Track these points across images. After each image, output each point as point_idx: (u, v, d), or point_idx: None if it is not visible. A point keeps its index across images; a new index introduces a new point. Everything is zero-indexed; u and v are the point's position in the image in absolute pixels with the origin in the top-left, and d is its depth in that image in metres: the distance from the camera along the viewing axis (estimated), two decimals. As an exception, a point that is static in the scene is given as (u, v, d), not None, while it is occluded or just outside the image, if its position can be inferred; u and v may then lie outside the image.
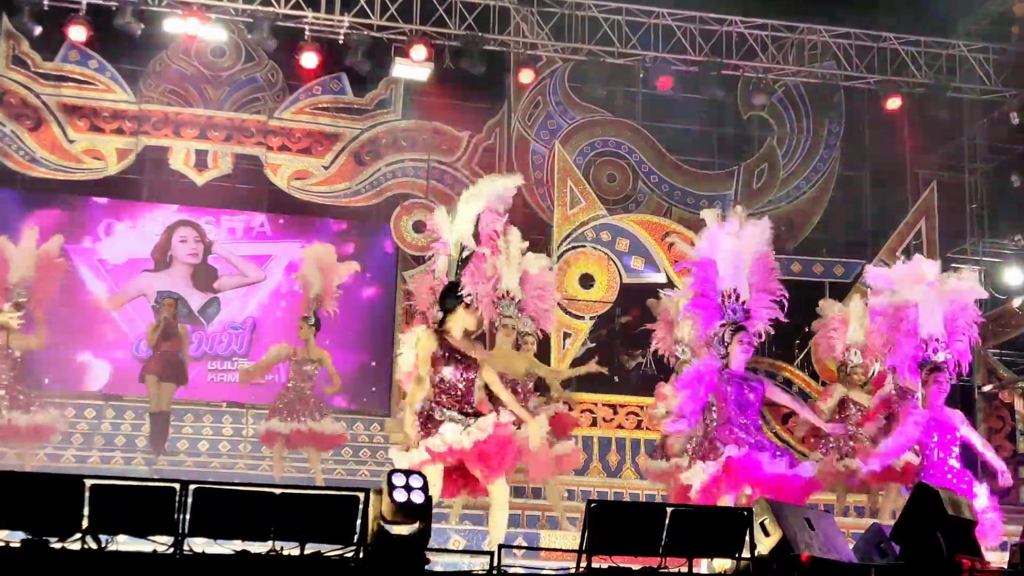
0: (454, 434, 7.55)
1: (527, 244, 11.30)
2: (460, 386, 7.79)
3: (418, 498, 5.90)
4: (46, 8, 14.53)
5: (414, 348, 7.83)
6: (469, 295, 7.96)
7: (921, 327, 9.21)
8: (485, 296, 9.83)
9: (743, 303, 8.93)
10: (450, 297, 7.99)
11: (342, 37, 15.39)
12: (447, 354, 7.79)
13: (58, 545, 5.64)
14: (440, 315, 7.99)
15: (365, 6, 15.34)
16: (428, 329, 7.94)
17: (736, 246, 9.05)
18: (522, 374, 10.63)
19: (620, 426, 14.91)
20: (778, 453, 8.52)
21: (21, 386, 12.09)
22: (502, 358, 10.45)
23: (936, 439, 8.99)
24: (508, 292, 10.92)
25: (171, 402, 13.46)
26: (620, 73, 16.97)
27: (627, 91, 17.67)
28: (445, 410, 7.68)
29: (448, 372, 7.78)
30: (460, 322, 7.93)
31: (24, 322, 12.20)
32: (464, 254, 8.10)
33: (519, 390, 10.48)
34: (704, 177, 17.95)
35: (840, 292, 16.08)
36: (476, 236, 8.15)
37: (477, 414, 7.73)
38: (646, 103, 17.77)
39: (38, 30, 14.80)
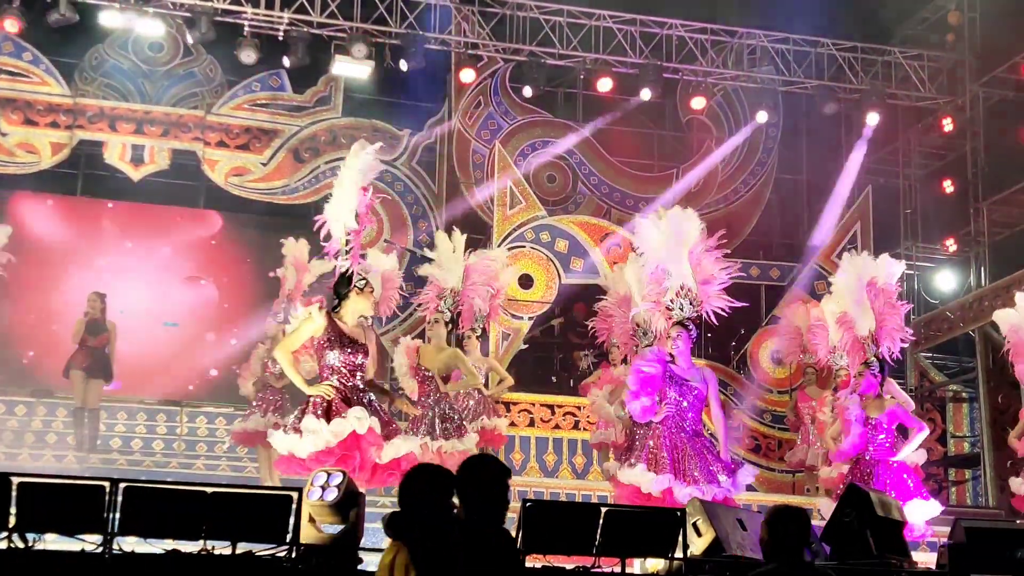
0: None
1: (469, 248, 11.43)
2: (344, 371, 7.75)
3: (330, 496, 5.88)
4: (-21, -1, 14.32)
5: (299, 324, 7.80)
6: (362, 279, 7.94)
7: (858, 325, 9.35)
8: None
9: (692, 297, 8.94)
10: (343, 284, 7.95)
11: (282, 33, 15.31)
12: (333, 338, 7.74)
13: (-17, 544, 5.57)
14: (335, 302, 7.97)
15: (305, 3, 15.27)
16: (321, 310, 7.87)
17: (667, 242, 9.07)
18: (439, 368, 10.52)
19: (557, 426, 14.93)
20: (708, 477, 8.52)
21: None
22: (428, 352, 10.46)
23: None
24: (452, 290, 10.97)
25: (100, 398, 13.29)
26: (561, 74, 17.03)
27: (568, 92, 17.73)
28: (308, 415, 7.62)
29: (333, 356, 7.74)
30: (353, 307, 7.89)
31: None
32: (348, 238, 8.06)
33: (429, 384, 10.40)
34: (643, 179, 18.04)
35: (776, 295, 16.27)
36: (356, 217, 8.14)
37: (347, 401, 7.67)
38: (586, 104, 17.82)
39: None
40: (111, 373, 13.36)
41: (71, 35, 15.21)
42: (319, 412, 7.49)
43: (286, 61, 15.43)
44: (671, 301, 8.95)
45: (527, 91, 16.24)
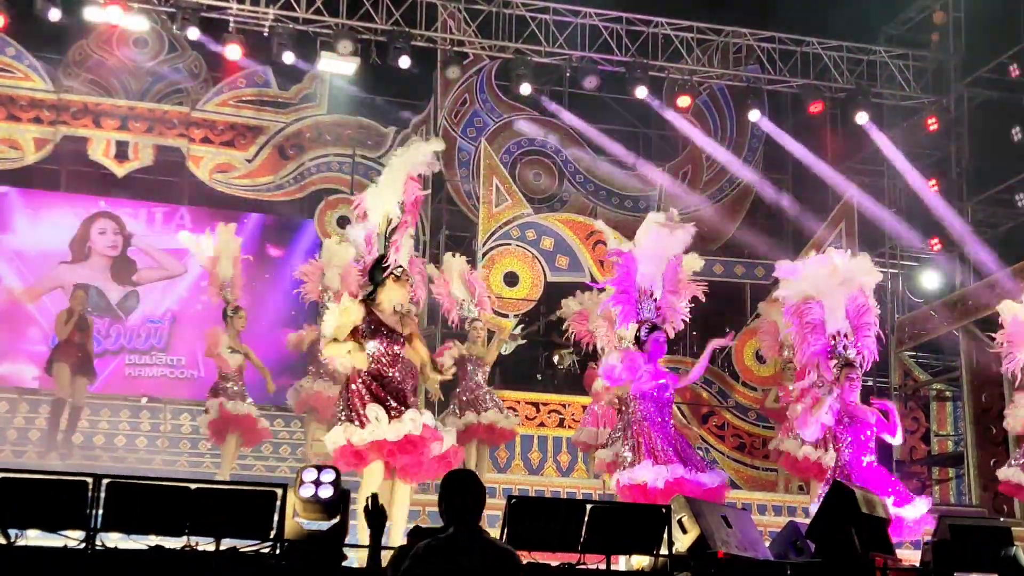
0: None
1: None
2: (384, 360, 7.75)
3: (325, 493, 5.86)
4: (-38, -6, 14.23)
5: (338, 317, 7.77)
6: (399, 267, 7.93)
7: (827, 322, 9.34)
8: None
9: (656, 301, 9.10)
10: (378, 270, 7.94)
11: (267, 30, 15.27)
12: (373, 327, 7.74)
13: (-35, 540, 5.53)
14: (370, 289, 7.95)
15: (291, -1, 15.24)
16: (355, 299, 7.87)
17: (658, 247, 9.18)
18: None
19: (542, 424, 14.93)
20: (694, 464, 8.66)
21: None
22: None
23: (850, 438, 9.09)
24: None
25: (84, 397, 13.19)
26: (547, 72, 17.02)
27: (554, 90, 17.73)
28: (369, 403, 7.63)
29: (372, 345, 7.74)
30: (390, 295, 7.88)
31: None
32: (391, 226, 8.06)
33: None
34: (629, 177, 18.02)
35: (761, 294, 16.26)
36: (402, 206, 8.13)
37: (396, 394, 7.69)
38: (572, 102, 17.82)
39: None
40: (94, 372, 13.28)
41: (55, 30, 15.14)
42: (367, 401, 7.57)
43: (287, 57, 15.31)
44: (638, 298, 9.10)
45: (524, 88, 16.16)
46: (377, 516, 4.84)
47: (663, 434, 8.79)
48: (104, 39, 16.38)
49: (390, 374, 7.74)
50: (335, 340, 7.72)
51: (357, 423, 7.57)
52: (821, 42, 16.95)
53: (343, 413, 7.77)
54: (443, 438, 7.69)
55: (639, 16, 16.44)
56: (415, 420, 7.55)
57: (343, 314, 7.71)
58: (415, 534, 4.91)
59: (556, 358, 16.56)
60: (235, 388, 12.04)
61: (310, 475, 5.85)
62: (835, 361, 9.24)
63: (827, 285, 9.39)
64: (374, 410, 7.54)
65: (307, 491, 5.75)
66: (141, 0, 14.82)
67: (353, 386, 7.75)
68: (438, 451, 7.67)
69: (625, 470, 8.82)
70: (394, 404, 7.63)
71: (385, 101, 17.47)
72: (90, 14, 14.83)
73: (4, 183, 16.14)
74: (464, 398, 12.37)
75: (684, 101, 16.91)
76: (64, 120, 16.12)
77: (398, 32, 15.49)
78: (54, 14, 14.33)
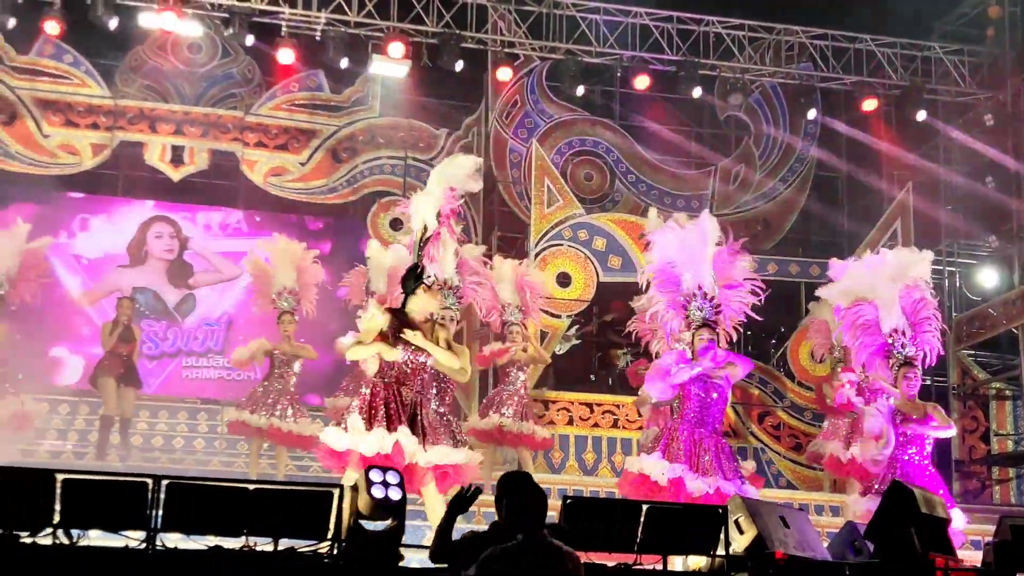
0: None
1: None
2: (407, 369, 7.78)
3: (395, 495, 5.88)
4: (20, 1, 14.42)
5: (364, 323, 7.82)
6: (430, 276, 7.97)
7: (883, 322, 9.22)
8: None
9: (711, 299, 8.94)
10: (411, 279, 7.97)
11: (319, 33, 15.37)
12: (400, 335, 7.77)
13: (29, 540, 5.60)
14: (403, 297, 8.00)
15: (342, 2, 15.33)
16: (381, 307, 7.91)
17: (688, 244, 9.06)
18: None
19: (596, 425, 14.89)
20: (723, 475, 8.54)
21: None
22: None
23: (905, 436, 8.99)
24: (446, 282, 10.93)
25: (132, 407, 13.25)
26: (597, 72, 17.00)
27: (605, 90, 17.70)
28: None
29: (398, 353, 7.77)
30: (421, 304, 7.91)
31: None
32: (425, 236, 8.11)
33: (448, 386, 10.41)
34: (681, 177, 17.97)
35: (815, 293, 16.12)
36: (438, 216, 8.18)
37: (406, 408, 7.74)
38: (624, 102, 17.78)
39: (12, 23, 14.69)
40: (140, 380, 13.35)
41: (111, 37, 15.32)
42: (364, 415, 7.59)
43: (339, 61, 15.39)
44: (687, 301, 8.96)
45: (575, 89, 16.16)
46: (463, 503, 5.16)
47: (690, 434, 8.66)
48: (159, 45, 16.58)
49: (402, 388, 7.78)
50: (360, 343, 7.79)
51: (359, 426, 7.67)
52: (875, 39, 16.80)
53: (347, 412, 7.85)
54: (418, 464, 7.73)
55: (690, 15, 16.38)
56: (384, 440, 7.63)
57: (368, 320, 7.79)
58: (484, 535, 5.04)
59: (615, 354, 16.49)
60: (270, 397, 12.16)
61: (377, 475, 5.87)
62: (893, 360, 9.14)
63: (877, 283, 9.27)
64: (355, 421, 7.62)
65: (378, 492, 5.77)
66: (195, 6, 14.97)
67: (365, 390, 7.82)
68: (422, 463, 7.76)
69: (638, 458, 8.78)
70: (397, 418, 7.71)
71: (436, 103, 17.52)
72: (145, 20, 15.02)
73: (63, 188, 16.37)
74: (496, 399, 12.32)
75: (736, 99, 16.83)
76: (121, 125, 16.34)
77: (449, 34, 15.54)
78: (110, 21, 14.50)
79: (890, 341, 9.19)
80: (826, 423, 13.19)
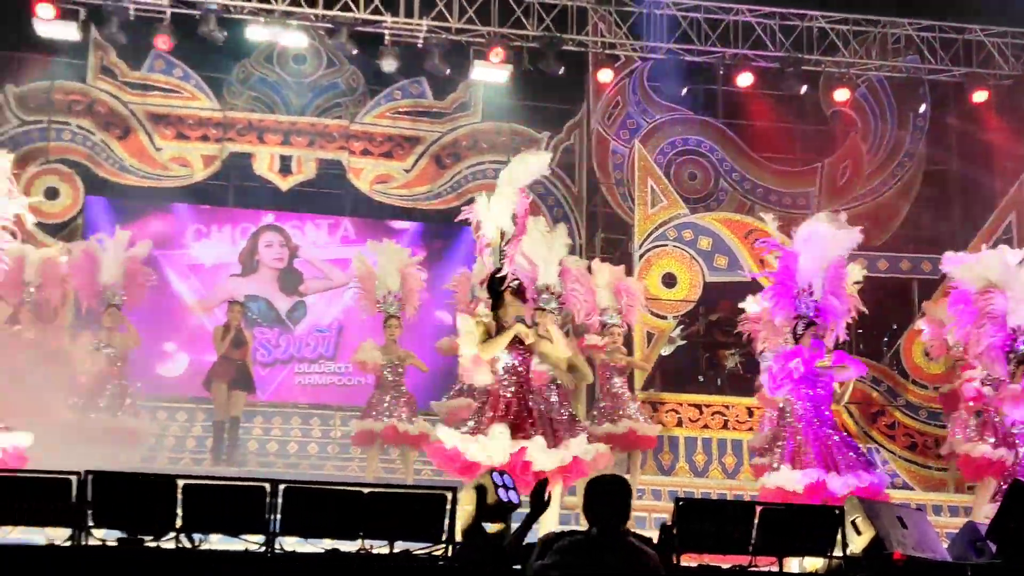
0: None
1: (570, 242, 11.46)
2: (521, 369, 7.83)
3: (514, 497, 5.92)
4: (132, 18, 14.79)
5: (472, 333, 7.87)
6: (515, 280, 8.00)
7: (1011, 314, 9.01)
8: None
9: (816, 301, 8.92)
10: (495, 285, 8.02)
11: (421, 41, 15.48)
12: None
13: (153, 544, 5.74)
14: (491, 303, 8.06)
15: (443, 9, 15.42)
16: (487, 311, 7.97)
17: (822, 245, 9.02)
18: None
19: (706, 426, 14.79)
20: (849, 465, 8.46)
21: (121, 388, 12.39)
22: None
23: None
24: (548, 287, 10.95)
25: (242, 409, 13.45)
26: (700, 71, 16.88)
27: (707, 89, 17.57)
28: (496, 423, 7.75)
29: (507, 357, 7.82)
30: (511, 308, 7.96)
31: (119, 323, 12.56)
32: (505, 240, 8.12)
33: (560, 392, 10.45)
34: (786, 174, 17.76)
35: (928, 289, 15.80)
36: (514, 219, 8.19)
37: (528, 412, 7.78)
38: (727, 100, 17.64)
39: (125, 40, 15.08)
40: (253, 385, 13.56)
41: (219, 50, 15.63)
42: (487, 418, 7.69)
43: (441, 68, 15.52)
44: (797, 295, 8.93)
45: (677, 88, 16.10)
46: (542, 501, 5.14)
47: (815, 435, 8.60)
48: (265, 57, 16.89)
49: (514, 392, 7.83)
50: (487, 343, 7.86)
51: (472, 434, 7.72)
52: (983, 28, 16.42)
53: (472, 419, 7.91)
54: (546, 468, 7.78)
55: (793, 10, 16.18)
56: (510, 443, 7.71)
57: (477, 327, 7.84)
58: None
59: (724, 355, 16.38)
60: (385, 401, 12.28)
61: (496, 479, 5.91)
62: (1012, 356, 8.94)
63: (1010, 276, 9.07)
64: (499, 430, 7.66)
65: (503, 494, 5.82)
66: (300, 17, 15.21)
67: (488, 398, 7.88)
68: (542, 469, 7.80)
69: (770, 474, 8.73)
70: (521, 424, 7.76)
71: (538, 106, 17.55)
72: (252, 33, 15.30)
73: (176, 200, 16.75)
74: (602, 406, 12.34)
75: (842, 95, 16.59)
76: (230, 137, 16.68)
77: (549, 37, 15.56)
78: (218, 35, 14.81)
79: (1014, 336, 8.99)
80: (950, 423, 12.85)
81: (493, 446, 7.68)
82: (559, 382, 10.25)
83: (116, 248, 12.89)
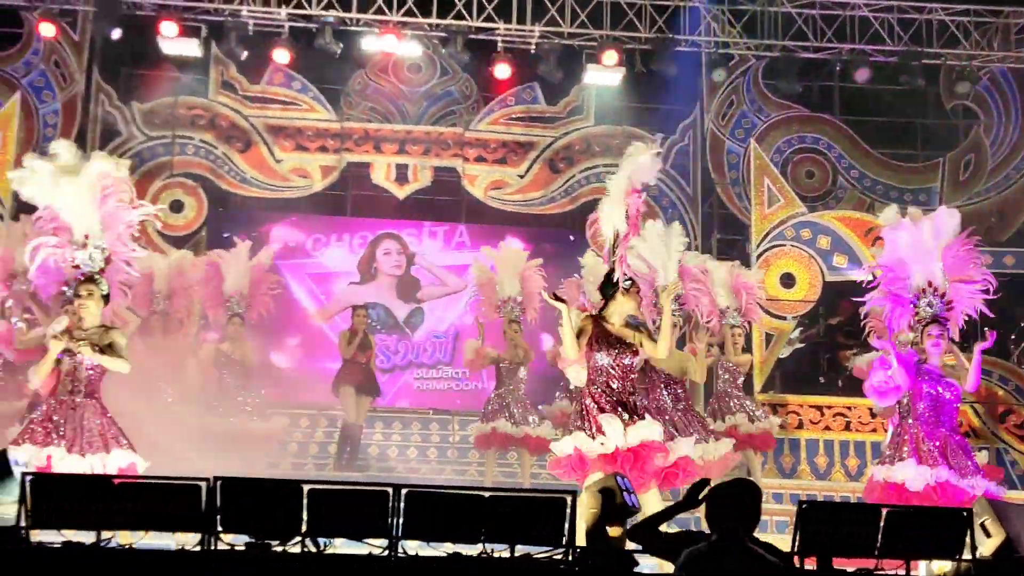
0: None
1: (686, 239, 11.37)
2: (614, 372, 7.80)
3: (634, 502, 5.93)
4: (251, 33, 15.11)
5: (570, 329, 7.87)
6: (628, 280, 7.99)
7: None
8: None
9: (942, 295, 8.70)
10: (607, 284, 8.03)
11: (534, 47, 15.53)
12: (602, 339, 7.82)
13: (279, 548, 5.86)
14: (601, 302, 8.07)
15: (556, 14, 15.45)
16: (583, 312, 7.97)
17: (918, 239, 8.81)
18: (678, 371, 10.49)
19: (827, 428, 14.57)
20: (961, 469, 8.24)
21: (247, 394, 12.67)
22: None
23: None
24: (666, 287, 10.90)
25: (366, 414, 13.65)
26: (815, 67, 16.64)
27: (823, 85, 17.32)
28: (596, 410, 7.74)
29: (601, 358, 7.82)
30: (619, 308, 7.95)
31: (243, 331, 12.84)
32: (617, 240, 8.12)
33: (679, 393, 10.38)
34: (907, 170, 17.39)
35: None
36: (627, 218, 8.17)
37: (626, 406, 7.75)
38: (844, 96, 17.36)
39: (244, 55, 15.42)
40: (379, 388, 13.75)
41: (335, 62, 15.90)
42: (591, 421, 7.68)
43: (554, 73, 15.53)
44: (915, 298, 8.71)
45: (794, 86, 15.90)
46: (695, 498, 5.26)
47: (933, 435, 8.41)
48: (381, 67, 17.13)
49: (617, 387, 7.81)
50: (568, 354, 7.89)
51: (588, 433, 7.71)
52: (1113, 13, 15.93)
53: (575, 423, 7.92)
54: (668, 450, 7.75)
55: (911, 3, 15.85)
56: (632, 434, 7.67)
57: (569, 328, 7.86)
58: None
59: (844, 355, 16.09)
60: (504, 404, 12.33)
61: (622, 482, 5.92)
62: None
63: None
64: (607, 420, 7.65)
65: (626, 498, 5.83)
66: (414, 27, 15.37)
67: (587, 400, 7.88)
68: (663, 463, 7.77)
69: (883, 465, 8.51)
70: (624, 415, 7.73)
71: (651, 108, 17.47)
72: (367, 44, 15.51)
73: (296, 210, 17.08)
74: (715, 406, 12.23)
75: (963, 88, 16.20)
76: (348, 147, 16.96)
77: (662, 39, 15.50)
78: (334, 47, 15.05)
79: None
80: None
81: (609, 433, 7.68)
82: (674, 381, 10.23)
83: (240, 258, 13.19)
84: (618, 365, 7.83)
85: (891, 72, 15.99)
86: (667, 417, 9.97)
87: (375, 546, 5.89)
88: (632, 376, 7.92)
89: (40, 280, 8.58)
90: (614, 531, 5.88)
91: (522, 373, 12.49)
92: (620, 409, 7.75)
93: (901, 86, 16.22)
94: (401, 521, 5.90)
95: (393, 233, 17.21)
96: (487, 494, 6.03)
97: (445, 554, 5.94)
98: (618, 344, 7.84)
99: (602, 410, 7.74)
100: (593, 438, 7.67)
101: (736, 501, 4.95)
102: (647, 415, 7.92)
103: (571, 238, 17.16)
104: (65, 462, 7.68)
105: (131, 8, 14.85)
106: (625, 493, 5.88)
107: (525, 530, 5.93)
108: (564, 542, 5.89)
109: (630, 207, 8.16)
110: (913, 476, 8.22)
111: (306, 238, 17.04)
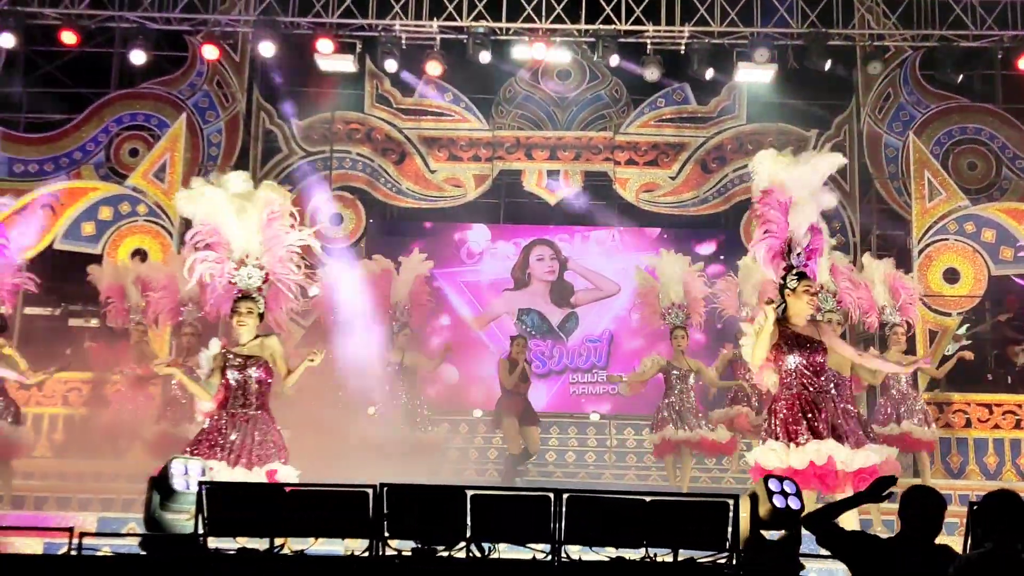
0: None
1: (834, 240, 11.17)
2: (807, 372, 7.74)
3: (795, 504, 5.86)
4: (404, 47, 15.38)
5: (755, 336, 7.83)
6: (793, 280, 7.97)
7: None
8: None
9: None
10: (784, 286, 8.02)
11: (683, 47, 15.44)
12: (789, 342, 7.78)
13: (445, 553, 5.96)
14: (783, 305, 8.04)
15: (705, 14, 15.34)
16: (769, 317, 7.92)
17: None
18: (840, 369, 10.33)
19: (996, 426, 14.13)
20: None
21: (418, 402, 12.87)
22: None
23: None
24: (822, 286, 10.69)
25: (538, 445, 13.46)
26: (976, 56, 16.15)
27: (985, 74, 16.80)
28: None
29: (792, 360, 7.76)
30: (794, 309, 7.93)
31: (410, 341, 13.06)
32: (797, 248, 8.11)
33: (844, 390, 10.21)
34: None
35: None
36: (809, 229, 8.14)
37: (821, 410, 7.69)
38: (1007, 85, 16.80)
39: (395, 67, 15.68)
40: (537, 418, 13.44)
41: (486, 72, 16.08)
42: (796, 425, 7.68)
43: (705, 73, 15.39)
44: None
45: (958, 77, 15.45)
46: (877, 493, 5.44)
47: None
48: (530, 75, 17.26)
49: (813, 388, 7.74)
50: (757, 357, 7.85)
51: (783, 442, 7.67)
52: None
53: (767, 431, 7.86)
54: (878, 472, 7.62)
55: (1079, -16, 15.28)
56: (819, 451, 7.64)
57: (762, 332, 7.80)
58: None
59: (1015, 351, 15.59)
60: (675, 411, 12.26)
61: (775, 484, 5.87)
62: None
63: None
64: (803, 434, 7.63)
65: (779, 501, 5.78)
66: (563, 34, 15.44)
67: (776, 405, 7.83)
68: (849, 469, 7.71)
69: None
70: (818, 424, 7.69)
71: (805, 104, 17.21)
72: (518, 53, 15.62)
73: (450, 220, 17.33)
74: (888, 409, 11.96)
75: None
76: (500, 156, 17.14)
77: (815, 33, 15.23)
78: (485, 57, 15.21)
79: None
80: None
81: (796, 452, 7.66)
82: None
83: (405, 271, 13.40)
84: (811, 364, 7.82)
85: (1058, 56, 15.42)
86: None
87: (538, 551, 5.94)
88: (825, 373, 7.90)
89: (212, 301, 8.81)
90: (775, 535, 5.83)
91: (691, 380, 12.37)
92: (813, 417, 7.72)
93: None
94: (563, 526, 5.94)
95: (546, 239, 17.32)
96: (648, 499, 6.03)
97: (608, 558, 5.96)
98: (807, 343, 7.83)
99: (795, 418, 7.73)
100: (788, 446, 7.69)
101: (1007, 511, 4.95)
102: (844, 432, 7.83)
103: (724, 238, 17.04)
104: (223, 475, 7.85)
105: (288, 28, 15.26)
106: (779, 496, 5.81)
107: (688, 534, 5.92)
108: (727, 546, 5.86)
109: (815, 217, 8.17)
110: None
111: (461, 247, 17.26)
